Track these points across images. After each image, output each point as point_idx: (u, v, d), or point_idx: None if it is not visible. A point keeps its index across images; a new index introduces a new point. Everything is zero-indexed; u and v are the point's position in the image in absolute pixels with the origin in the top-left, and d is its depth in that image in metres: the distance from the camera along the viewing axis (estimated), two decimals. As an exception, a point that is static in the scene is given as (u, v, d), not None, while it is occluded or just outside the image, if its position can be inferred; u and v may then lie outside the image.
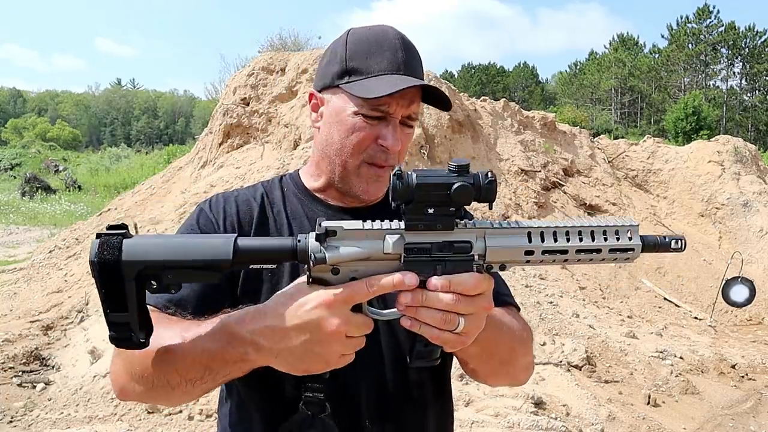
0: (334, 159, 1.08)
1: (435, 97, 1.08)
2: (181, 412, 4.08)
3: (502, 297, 1.13)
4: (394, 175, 0.77)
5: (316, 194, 1.15)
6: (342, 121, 1.05)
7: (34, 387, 4.54)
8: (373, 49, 1.04)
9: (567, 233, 0.81)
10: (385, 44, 1.04)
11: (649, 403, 4.94)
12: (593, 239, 0.82)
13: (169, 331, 0.87)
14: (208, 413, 4.05)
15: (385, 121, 1.04)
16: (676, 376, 5.46)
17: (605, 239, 0.82)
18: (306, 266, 0.79)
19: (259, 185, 1.18)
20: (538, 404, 4.30)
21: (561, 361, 5.21)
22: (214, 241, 0.78)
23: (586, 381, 5.06)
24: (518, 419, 3.98)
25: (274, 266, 0.81)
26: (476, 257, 0.81)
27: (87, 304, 5.92)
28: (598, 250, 0.82)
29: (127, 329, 0.77)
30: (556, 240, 0.81)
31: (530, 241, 0.81)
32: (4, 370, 4.73)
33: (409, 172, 0.78)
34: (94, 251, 0.74)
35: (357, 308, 0.80)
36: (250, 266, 0.80)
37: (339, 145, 1.06)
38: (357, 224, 0.80)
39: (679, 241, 0.85)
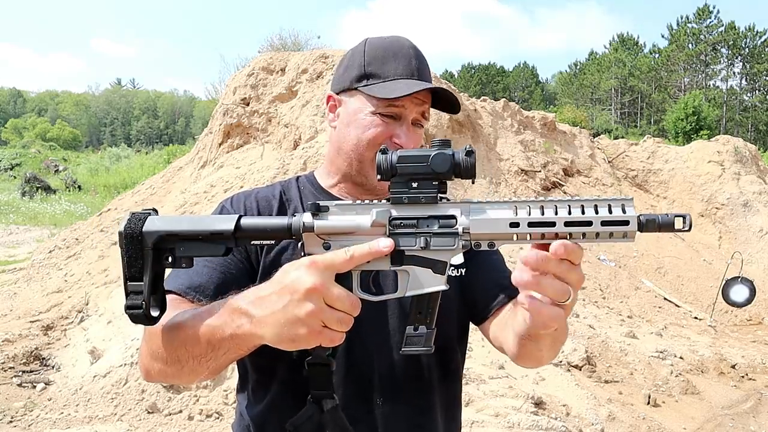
0: (350, 154, 1.17)
1: (443, 101, 1.19)
2: (181, 412, 4.08)
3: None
4: (379, 150, 0.84)
5: (331, 190, 1.24)
6: (359, 120, 1.15)
7: (34, 387, 4.54)
8: (390, 55, 1.16)
9: (555, 206, 0.79)
10: (400, 52, 1.16)
11: (649, 403, 4.94)
12: (583, 211, 0.78)
13: (182, 311, 0.96)
14: (208, 413, 4.05)
15: (398, 120, 1.15)
16: (676, 376, 5.46)
17: (596, 211, 0.78)
18: (300, 245, 0.86)
19: (277, 184, 1.27)
20: (538, 404, 4.29)
21: (561, 361, 5.21)
22: (220, 217, 0.89)
23: (586, 381, 5.06)
24: (518, 419, 3.98)
25: (272, 242, 0.90)
26: (461, 231, 0.82)
27: (87, 304, 5.92)
28: (589, 223, 0.77)
29: (140, 297, 0.85)
30: (543, 213, 0.79)
31: (516, 213, 0.80)
32: (4, 370, 4.73)
33: (393, 150, 0.85)
34: (123, 224, 0.86)
35: (348, 288, 0.82)
36: (252, 242, 0.88)
37: (355, 141, 1.16)
38: (347, 201, 0.86)
39: (685, 219, 0.76)
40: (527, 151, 9.86)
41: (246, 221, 0.87)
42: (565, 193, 9.78)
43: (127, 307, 0.86)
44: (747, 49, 52.65)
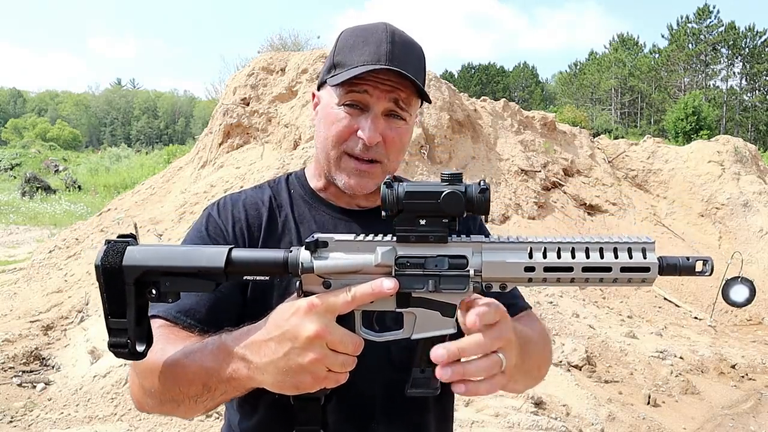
0: (322, 153, 1.09)
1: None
2: (181, 412, 4.07)
3: (513, 301, 1.12)
4: (384, 183, 0.76)
5: (321, 194, 1.15)
6: (328, 114, 1.06)
7: (34, 387, 4.53)
8: (359, 42, 1.03)
9: (572, 249, 0.75)
10: (371, 38, 1.02)
11: (649, 403, 4.94)
12: (602, 256, 0.74)
13: (174, 347, 0.88)
14: (208, 413, 4.05)
15: (366, 112, 1.03)
16: (676, 376, 5.46)
17: (615, 256, 0.74)
18: (298, 283, 0.79)
19: (266, 187, 1.17)
20: (538, 404, 4.29)
21: (561, 361, 5.21)
22: (209, 250, 0.80)
23: (586, 381, 5.06)
24: (518, 419, 3.98)
25: (267, 278, 0.81)
26: (472, 273, 0.77)
27: (87, 304, 5.92)
28: (608, 269, 0.74)
29: (125, 335, 0.79)
30: (559, 256, 0.75)
31: (531, 256, 0.75)
32: (4, 370, 4.73)
33: (400, 182, 0.77)
34: (100, 256, 0.78)
35: (351, 328, 0.79)
36: (244, 277, 0.80)
37: (324, 138, 1.07)
38: (348, 236, 0.79)
39: (706, 263, 0.75)
40: (527, 151, 9.85)
41: (238, 255, 0.79)
42: (565, 193, 9.78)
43: (111, 345, 0.80)
44: (747, 49, 52.65)
